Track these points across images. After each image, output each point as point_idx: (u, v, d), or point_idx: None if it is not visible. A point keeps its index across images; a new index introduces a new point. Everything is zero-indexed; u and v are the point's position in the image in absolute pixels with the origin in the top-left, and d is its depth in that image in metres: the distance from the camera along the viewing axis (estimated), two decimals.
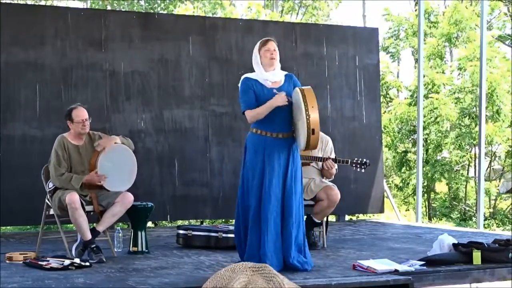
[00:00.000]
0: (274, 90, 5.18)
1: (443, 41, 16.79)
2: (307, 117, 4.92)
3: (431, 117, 15.32)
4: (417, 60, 12.20)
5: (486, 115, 14.76)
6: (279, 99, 5.10)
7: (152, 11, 18.74)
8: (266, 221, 5.08)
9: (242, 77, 5.27)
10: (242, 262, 4.39)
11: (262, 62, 5.22)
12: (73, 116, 5.88)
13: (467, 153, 15.61)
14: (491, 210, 15.75)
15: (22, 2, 17.66)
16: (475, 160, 15.70)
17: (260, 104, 5.14)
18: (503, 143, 15.22)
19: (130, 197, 5.83)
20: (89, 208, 5.80)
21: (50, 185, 5.91)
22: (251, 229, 5.14)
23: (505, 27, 18.61)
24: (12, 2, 14.44)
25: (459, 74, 16.69)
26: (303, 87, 5.09)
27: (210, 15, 18.36)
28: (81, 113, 5.88)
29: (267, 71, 5.23)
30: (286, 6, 21.96)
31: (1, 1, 9.00)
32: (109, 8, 19.10)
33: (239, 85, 5.27)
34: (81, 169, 5.89)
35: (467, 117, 15.27)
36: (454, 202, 16.19)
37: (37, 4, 18.29)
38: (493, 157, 16.11)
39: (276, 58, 5.24)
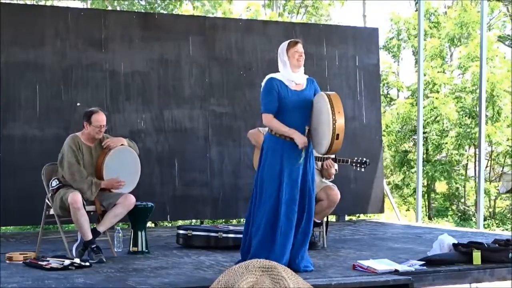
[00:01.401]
0: (307, 131, 5.12)
1: (445, 42, 16.78)
2: (333, 121, 4.89)
3: (431, 116, 15.32)
4: (417, 60, 12.20)
5: (486, 116, 14.75)
6: (300, 140, 5.06)
7: (152, 11, 18.72)
8: (279, 222, 5.06)
9: (267, 77, 5.22)
10: (256, 259, 4.38)
11: (290, 63, 5.19)
12: (92, 120, 5.85)
13: (465, 152, 15.60)
14: (491, 209, 15.75)
15: (22, 2, 17.65)
16: (474, 160, 15.70)
17: (283, 105, 5.10)
18: (503, 143, 15.21)
19: (132, 199, 5.84)
20: (89, 208, 5.79)
21: (54, 184, 5.85)
22: (264, 229, 5.10)
23: (505, 27, 18.61)
24: (12, 2, 14.43)
25: (459, 74, 16.68)
26: (328, 92, 5.05)
27: (210, 15, 18.35)
28: (101, 119, 5.87)
29: (293, 72, 5.21)
30: (288, 5, 21.91)
31: (1, 1, 9.00)
32: (109, 8, 19.09)
33: (263, 84, 5.20)
34: (90, 171, 5.88)
35: (467, 116, 15.26)
36: (454, 202, 16.19)
37: (37, 4, 18.26)
38: (492, 158, 16.10)
39: (303, 61, 5.23)
